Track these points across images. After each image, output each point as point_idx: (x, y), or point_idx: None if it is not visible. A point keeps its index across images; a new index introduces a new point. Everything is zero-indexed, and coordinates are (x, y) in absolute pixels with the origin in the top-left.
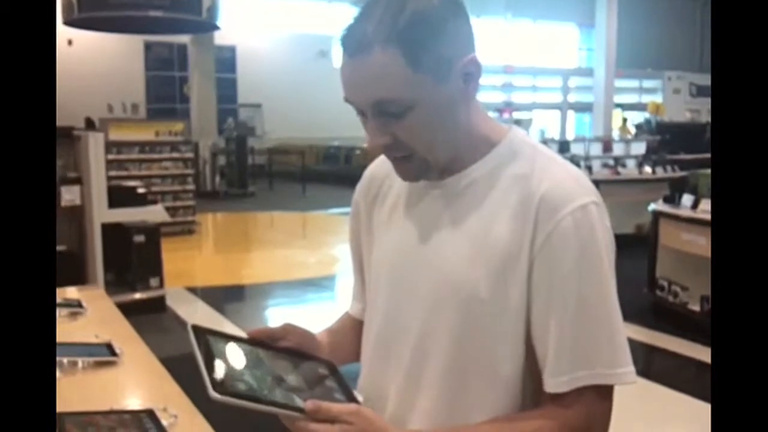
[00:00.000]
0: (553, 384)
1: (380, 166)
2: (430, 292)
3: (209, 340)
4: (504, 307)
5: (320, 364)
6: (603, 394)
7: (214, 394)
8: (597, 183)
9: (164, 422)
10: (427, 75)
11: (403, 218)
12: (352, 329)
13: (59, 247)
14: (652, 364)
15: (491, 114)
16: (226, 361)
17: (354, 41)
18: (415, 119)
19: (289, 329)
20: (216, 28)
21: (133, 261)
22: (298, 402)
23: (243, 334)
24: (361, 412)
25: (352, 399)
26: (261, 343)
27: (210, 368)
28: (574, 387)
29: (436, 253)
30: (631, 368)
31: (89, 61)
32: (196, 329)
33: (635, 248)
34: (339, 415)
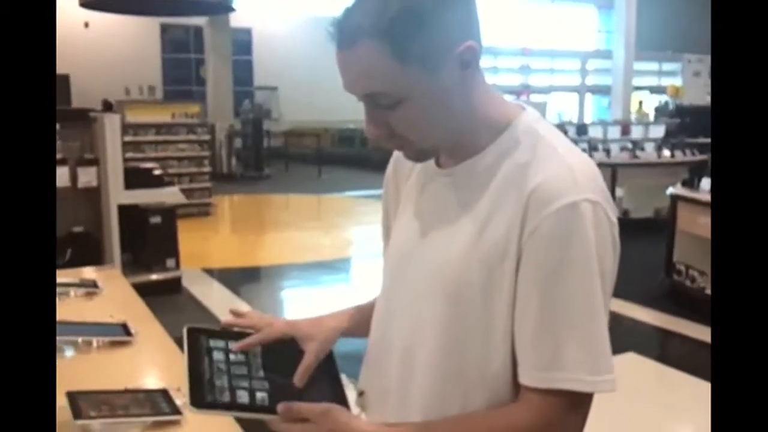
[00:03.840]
0: (521, 378)
1: None
2: (426, 277)
3: (201, 341)
4: (495, 299)
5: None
6: (574, 402)
7: (192, 408)
8: (615, 167)
9: (178, 402)
10: (416, 67)
11: (415, 205)
12: None
13: (76, 228)
14: (668, 349)
15: (508, 97)
16: (211, 365)
17: (342, 34)
18: (407, 111)
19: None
20: (231, 9)
21: (149, 242)
22: (276, 402)
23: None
24: (331, 413)
25: (338, 389)
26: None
27: (193, 376)
28: (540, 386)
29: (436, 240)
30: (609, 377)
31: (106, 43)
32: (191, 331)
33: (653, 232)
34: (309, 415)
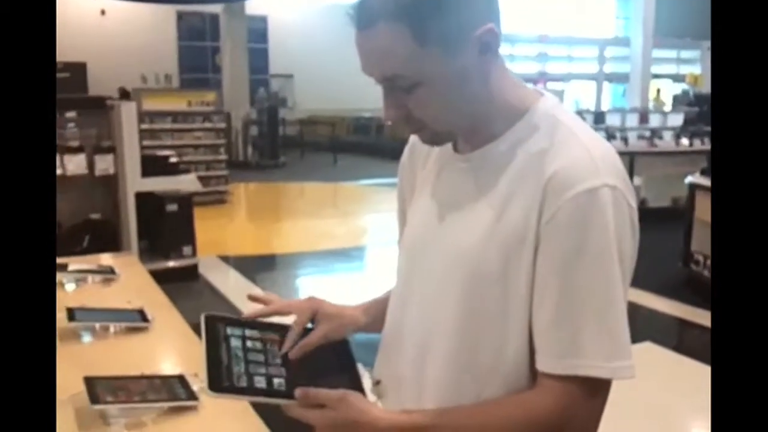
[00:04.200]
0: (539, 365)
1: None
2: (442, 264)
3: (219, 328)
4: (512, 286)
5: (328, 343)
6: (593, 389)
7: (209, 392)
8: (633, 155)
9: (194, 387)
10: (435, 49)
11: (432, 190)
12: None
13: (94, 215)
14: (686, 339)
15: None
16: (229, 351)
17: (361, 15)
18: (425, 94)
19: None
20: None
21: (166, 229)
22: (293, 388)
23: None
24: (346, 399)
25: (354, 377)
26: (271, 324)
27: (211, 362)
28: (558, 373)
29: (453, 227)
30: (628, 363)
31: (122, 31)
32: (209, 318)
33: (670, 222)
34: (326, 401)
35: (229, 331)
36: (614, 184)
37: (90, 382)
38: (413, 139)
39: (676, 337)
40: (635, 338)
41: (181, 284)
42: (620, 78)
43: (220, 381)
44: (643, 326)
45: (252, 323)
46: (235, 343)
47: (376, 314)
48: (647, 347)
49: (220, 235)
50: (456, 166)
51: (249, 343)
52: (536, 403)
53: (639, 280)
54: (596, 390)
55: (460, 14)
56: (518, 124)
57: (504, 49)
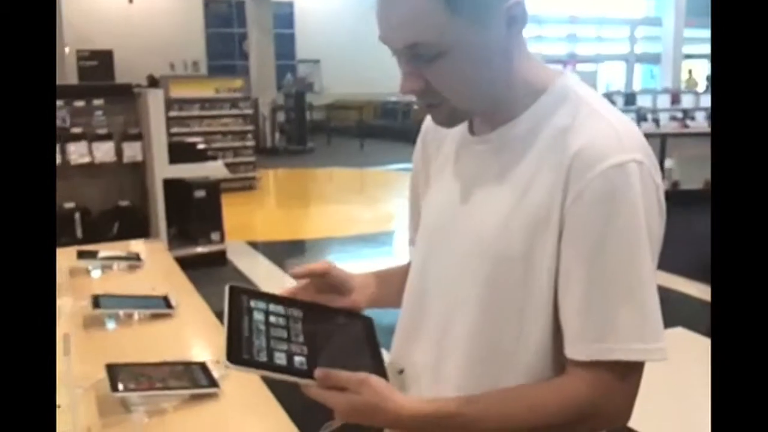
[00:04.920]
0: (569, 351)
1: None
2: (463, 248)
3: (242, 300)
4: (536, 267)
5: (353, 322)
6: (625, 372)
7: (227, 363)
8: (664, 137)
9: (216, 374)
10: (464, 18)
11: (450, 175)
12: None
13: (122, 202)
14: None
15: (554, 66)
16: (251, 324)
17: None
18: (447, 65)
19: (328, 268)
20: None
21: (194, 216)
22: (313, 367)
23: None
24: (368, 382)
25: (377, 362)
26: (296, 301)
27: (232, 333)
28: (590, 358)
29: (474, 210)
30: (660, 345)
31: (149, 19)
32: (233, 290)
33: (703, 204)
34: (347, 383)
35: (252, 304)
36: (641, 159)
37: (111, 369)
38: (425, 127)
39: (706, 321)
40: (667, 323)
41: (210, 270)
42: (652, 59)
43: (239, 353)
44: (676, 311)
45: (276, 298)
46: (257, 316)
47: (382, 286)
48: (679, 332)
49: (248, 221)
50: (474, 149)
51: (272, 318)
52: (569, 389)
53: (671, 264)
54: (630, 373)
55: None
56: (539, 102)
57: (533, 30)
